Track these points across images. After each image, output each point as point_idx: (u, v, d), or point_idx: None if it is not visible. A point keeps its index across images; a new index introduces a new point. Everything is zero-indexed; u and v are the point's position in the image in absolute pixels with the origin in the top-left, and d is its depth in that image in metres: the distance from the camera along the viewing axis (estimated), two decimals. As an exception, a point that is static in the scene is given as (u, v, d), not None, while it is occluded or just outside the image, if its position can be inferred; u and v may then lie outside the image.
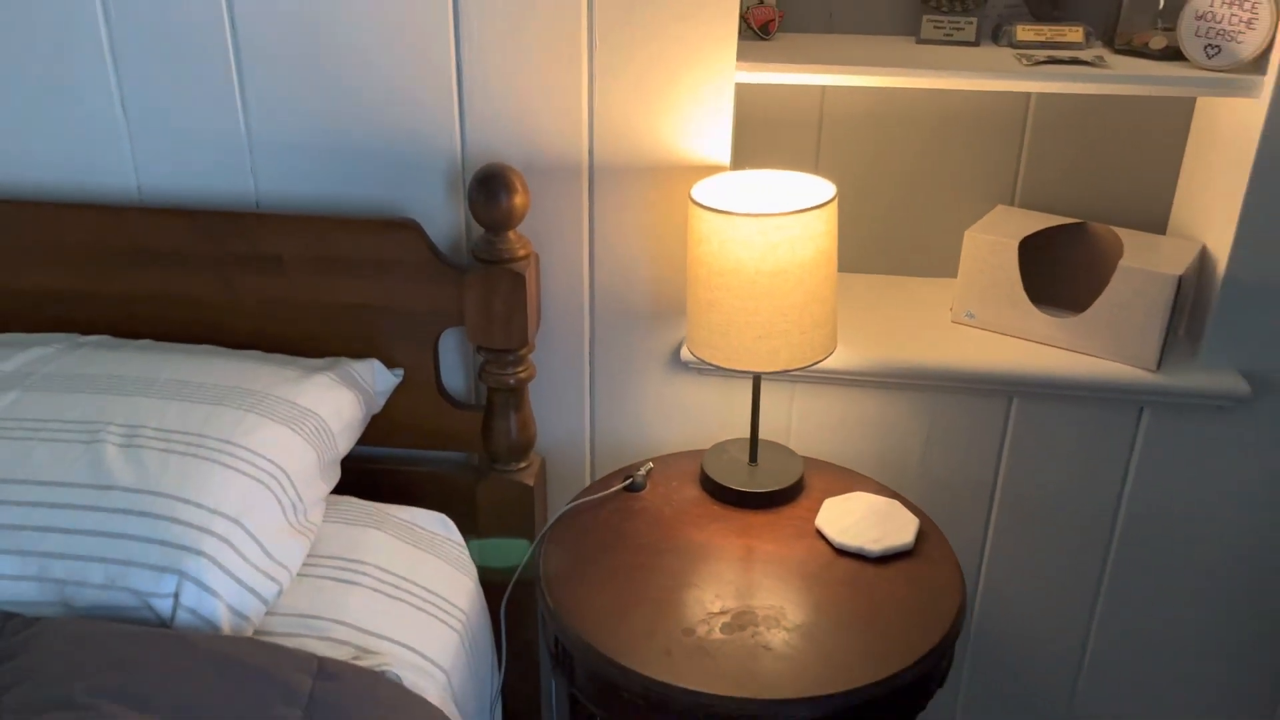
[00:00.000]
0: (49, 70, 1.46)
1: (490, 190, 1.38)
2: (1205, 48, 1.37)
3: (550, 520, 1.42)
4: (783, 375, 1.55)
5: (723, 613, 1.26)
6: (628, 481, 1.48)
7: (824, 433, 1.60)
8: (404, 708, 1.09)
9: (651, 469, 1.52)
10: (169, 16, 1.42)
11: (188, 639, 1.08)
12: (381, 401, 1.51)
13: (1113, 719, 1.76)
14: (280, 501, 1.24)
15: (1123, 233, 1.54)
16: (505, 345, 1.46)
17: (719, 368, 1.35)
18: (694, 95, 1.40)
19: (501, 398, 1.51)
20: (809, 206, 1.27)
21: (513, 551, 1.57)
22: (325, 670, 1.09)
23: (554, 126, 1.44)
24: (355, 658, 1.17)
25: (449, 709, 1.21)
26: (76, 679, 1.00)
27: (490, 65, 1.41)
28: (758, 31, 1.51)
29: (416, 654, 1.23)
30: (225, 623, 1.15)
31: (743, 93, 1.54)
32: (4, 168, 1.53)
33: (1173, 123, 1.57)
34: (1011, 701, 1.77)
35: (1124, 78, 1.37)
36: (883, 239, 1.70)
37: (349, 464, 1.48)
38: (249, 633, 1.18)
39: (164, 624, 1.13)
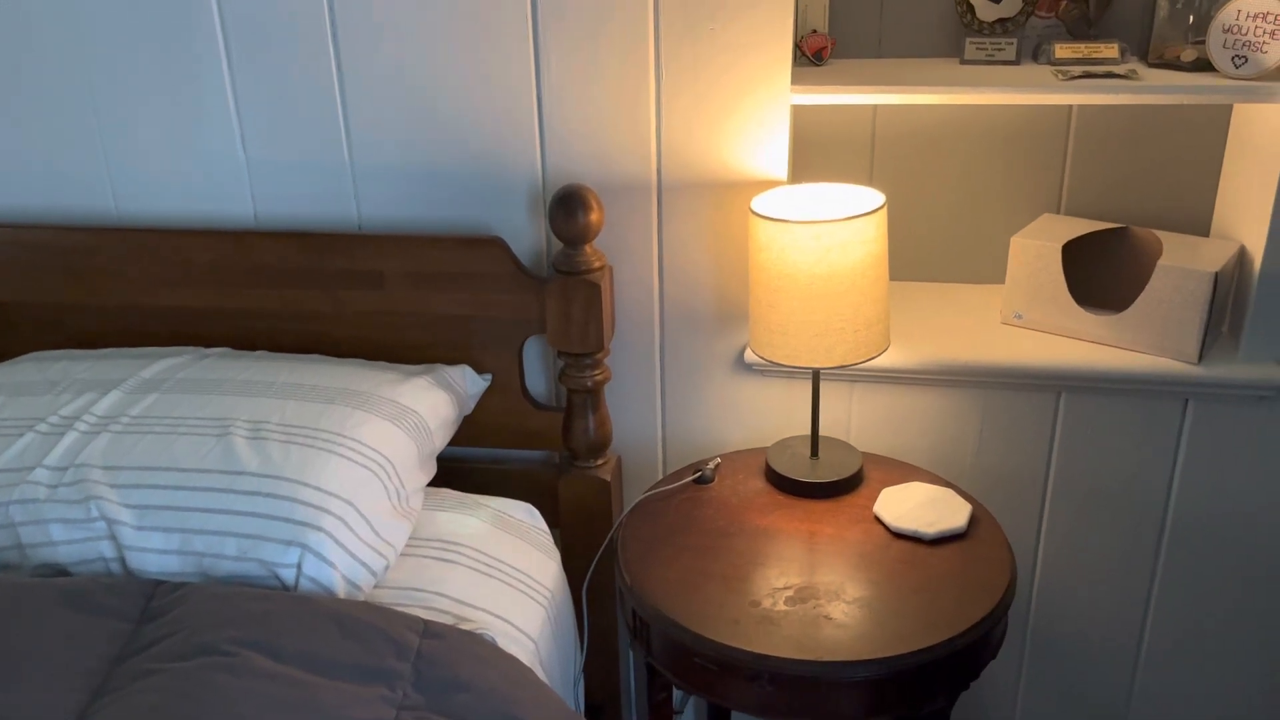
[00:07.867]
0: (181, 117, 1.65)
1: (569, 208, 1.53)
2: (1233, 58, 1.46)
3: (626, 509, 1.54)
4: (841, 373, 1.65)
5: (786, 588, 1.36)
6: (697, 475, 1.60)
7: (882, 430, 1.70)
8: (499, 663, 1.22)
9: (719, 464, 1.63)
10: (286, 69, 1.60)
11: (311, 600, 1.23)
12: (473, 404, 1.65)
13: (1171, 708, 1.81)
14: (386, 487, 1.39)
15: (1164, 235, 1.62)
16: (583, 350, 1.59)
17: (781, 367, 1.46)
18: (753, 117, 1.53)
19: (580, 399, 1.64)
20: (860, 214, 1.39)
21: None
22: (431, 630, 1.22)
23: (625, 149, 1.58)
24: (455, 624, 1.31)
25: (538, 673, 1.33)
26: (219, 631, 1.15)
27: (567, 97, 1.56)
28: (811, 58, 1.64)
29: (508, 624, 1.36)
30: (341, 591, 1.29)
31: (801, 115, 1.67)
32: (141, 201, 1.72)
33: (1211, 131, 1.65)
34: (1071, 694, 1.83)
35: (1155, 88, 1.46)
36: (934, 249, 1.80)
37: (443, 463, 1.62)
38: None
39: (288, 591, 1.28)
